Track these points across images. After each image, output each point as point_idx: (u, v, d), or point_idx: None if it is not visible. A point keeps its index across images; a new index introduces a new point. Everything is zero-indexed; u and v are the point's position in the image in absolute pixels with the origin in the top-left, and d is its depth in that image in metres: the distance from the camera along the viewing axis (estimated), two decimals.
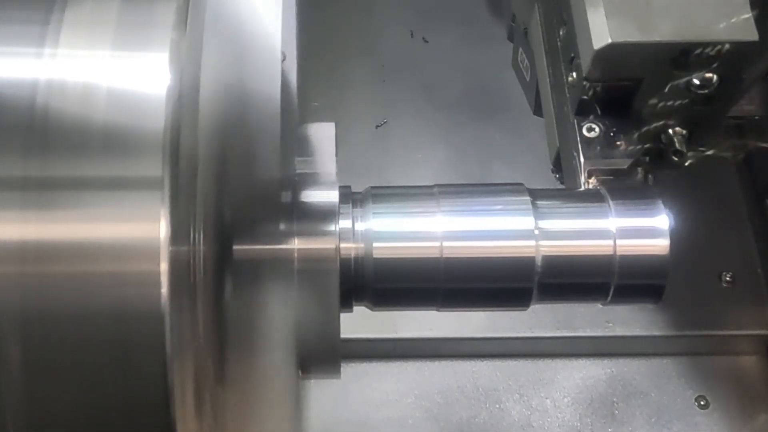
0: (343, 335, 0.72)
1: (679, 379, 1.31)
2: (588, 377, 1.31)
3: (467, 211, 0.75)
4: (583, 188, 0.85)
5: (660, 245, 0.75)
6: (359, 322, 0.84)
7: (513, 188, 0.77)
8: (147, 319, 0.55)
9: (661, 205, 0.77)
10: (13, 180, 0.57)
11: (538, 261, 0.74)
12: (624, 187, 0.85)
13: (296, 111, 0.71)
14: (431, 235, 0.74)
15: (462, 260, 0.74)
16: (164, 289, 0.55)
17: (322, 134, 0.76)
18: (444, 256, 0.73)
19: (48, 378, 0.56)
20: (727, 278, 1.33)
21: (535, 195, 0.76)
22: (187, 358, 0.57)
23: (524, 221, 0.75)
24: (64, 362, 0.56)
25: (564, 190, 0.90)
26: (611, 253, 0.75)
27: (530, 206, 0.75)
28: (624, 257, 0.75)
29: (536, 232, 0.74)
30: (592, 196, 0.80)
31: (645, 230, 0.76)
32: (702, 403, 1.29)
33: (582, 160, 0.86)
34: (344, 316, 0.73)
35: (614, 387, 1.30)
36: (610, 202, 0.77)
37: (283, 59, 0.67)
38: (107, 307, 0.56)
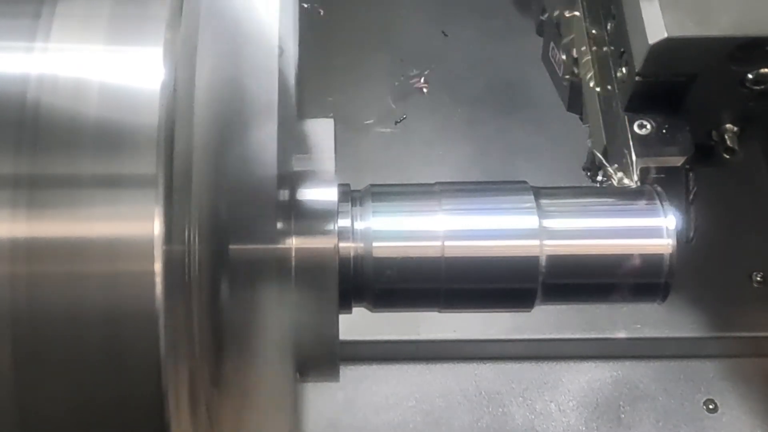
0: (348, 337, 0.71)
1: (686, 383, 1.30)
2: (593, 380, 1.30)
3: (469, 210, 0.75)
4: (636, 185, 0.84)
5: (666, 244, 0.74)
6: (362, 324, 0.83)
7: (516, 186, 0.76)
8: (140, 319, 0.55)
9: (669, 206, 0.76)
10: (4, 177, 0.56)
11: (542, 261, 0.73)
12: (625, 188, 0.83)
13: (294, 107, 0.70)
14: (432, 234, 0.73)
15: (464, 260, 0.73)
16: (158, 289, 0.54)
17: (321, 130, 0.75)
18: (446, 255, 0.72)
19: (39, 378, 0.56)
20: (758, 278, 1.32)
21: (539, 193, 0.75)
22: (182, 359, 0.56)
23: (528, 220, 0.74)
24: (55, 362, 0.55)
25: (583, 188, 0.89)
26: (627, 252, 0.74)
27: (534, 204, 0.74)
28: (634, 256, 0.73)
29: (541, 231, 0.73)
30: (612, 195, 0.79)
31: (652, 230, 0.75)
32: (711, 406, 1.27)
33: (634, 158, 0.84)
34: (345, 317, 0.72)
35: (620, 390, 1.29)
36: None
37: (281, 54, 0.66)
38: (100, 307, 0.55)
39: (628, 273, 0.74)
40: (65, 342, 0.55)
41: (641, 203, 0.76)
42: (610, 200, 0.78)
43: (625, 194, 0.79)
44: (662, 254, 0.74)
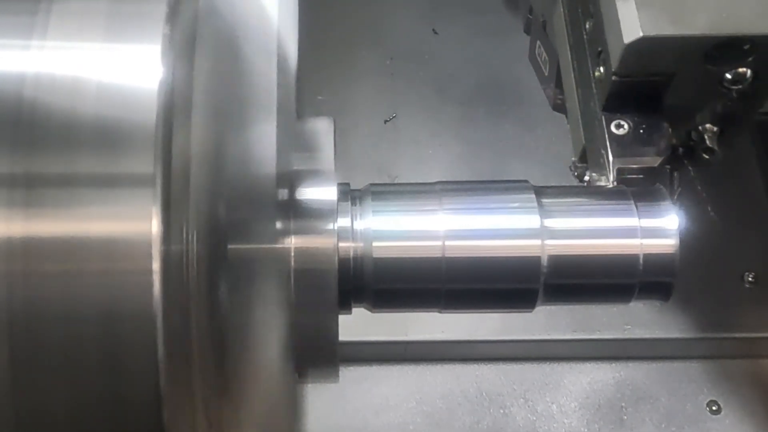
0: (343, 338, 0.70)
1: (689, 383, 1.29)
2: (595, 381, 1.30)
3: (470, 209, 0.74)
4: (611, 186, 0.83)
5: (670, 244, 0.74)
6: (361, 325, 0.83)
7: (517, 185, 0.76)
8: (138, 320, 0.54)
9: (672, 205, 0.76)
10: (0, 176, 0.55)
11: (544, 261, 0.72)
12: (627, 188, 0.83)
13: (294, 105, 0.69)
14: (433, 233, 0.72)
15: (465, 260, 0.73)
16: (156, 290, 0.54)
17: (321, 129, 0.74)
18: (446, 255, 0.72)
19: (35, 379, 0.55)
20: (750, 278, 1.32)
21: (541, 192, 0.75)
22: (180, 360, 0.56)
23: (529, 219, 0.73)
24: (51, 363, 0.55)
25: (580, 187, 0.89)
26: (631, 252, 0.73)
27: (535, 204, 0.74)
28: (638, 256, 0.73)
29: (542, 231, 0.73)
30: (614, 194, 0.78)
31: (656, 229, 0.74)
32: (714, 408, 1.27)
33: (611, 158, 0.84)
34: (345, 318, 0.72)
35: (622, 391, 1.29)
36: (634, 200, 0.75)
37: (280, 52, 0.65)
38: (97, 307, 0.55)
39: (631, 273, 0.74)
40: (62, 342, 0.55)
41: (643, 203, 0.76)
42: (612, 200, 0.77)
43: (627, 194, 0.78)
44: (666, 254, 0.74)
